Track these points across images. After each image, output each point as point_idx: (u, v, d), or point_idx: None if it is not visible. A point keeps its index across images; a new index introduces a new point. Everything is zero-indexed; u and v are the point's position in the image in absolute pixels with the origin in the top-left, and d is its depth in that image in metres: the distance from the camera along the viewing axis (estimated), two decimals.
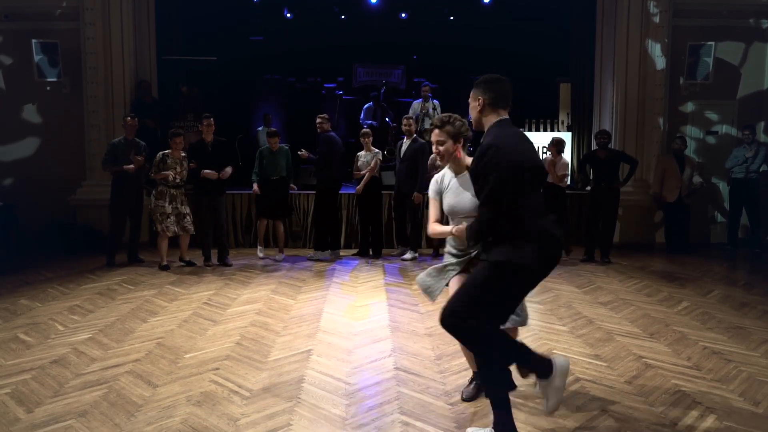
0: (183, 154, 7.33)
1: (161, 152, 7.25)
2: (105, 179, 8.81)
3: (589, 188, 8.38)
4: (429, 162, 8.14)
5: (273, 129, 8.28)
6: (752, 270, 7.91)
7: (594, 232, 8.07)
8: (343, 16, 11.59)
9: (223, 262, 7.58)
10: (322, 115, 8.10)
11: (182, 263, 7.55)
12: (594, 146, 9.41)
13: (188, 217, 7.33)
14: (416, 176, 7.85)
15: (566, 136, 9.82)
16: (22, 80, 9.12)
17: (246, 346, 4.62)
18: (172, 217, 7.20)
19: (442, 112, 10.40)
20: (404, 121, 8.13)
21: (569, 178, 8.63)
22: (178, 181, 7.23)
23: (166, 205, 7.15)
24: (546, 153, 8.50)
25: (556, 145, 8.02)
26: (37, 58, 8.99)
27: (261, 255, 8.17)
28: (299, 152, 8.16)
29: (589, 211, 8.24)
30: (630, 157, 8.07)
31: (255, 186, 7.89)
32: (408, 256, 8.04)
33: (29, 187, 9.00)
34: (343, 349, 4.56)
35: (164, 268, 7.31)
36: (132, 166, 7.40)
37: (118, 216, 7.62)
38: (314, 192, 8.34)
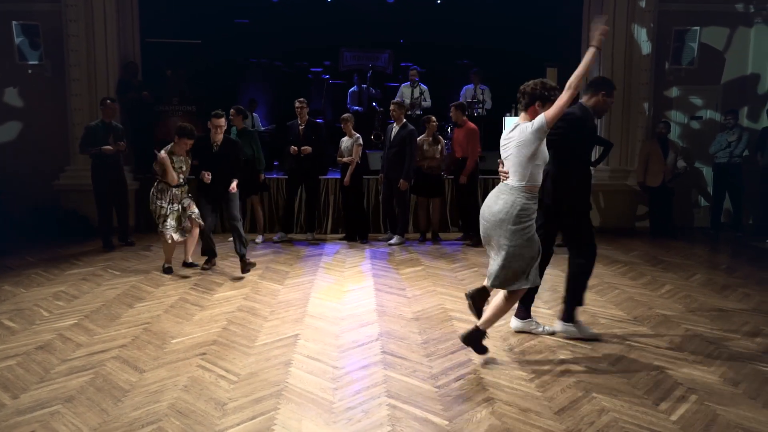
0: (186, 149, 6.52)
1: (163, 149, 6.29)
2: (89, 164, 8.75)
3: None
4: (417, 143, 8.15)
5: (239, 106, 8.00)
6: (734, 253, 8.02)
7: None
8: (329, 0, 11.49)
9: (245, 267, 6.32)
10: (302, 100, 8.10)
11: (186, 266, 6.61)
12: None
13: (193, 215, 6.38)
14: (404, 163, 7.85)
15: None
16: (2, 63, 8.94)
17: (233, 331, 4.62)
18: (171, 221, 6.27)
19: (431, 96, 10.43)
20: (392, 107, 8.11)
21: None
22: (182, 181, 6.40)
23: (165, 205, 6.27)
24: None
25: None
26: (17, 40, 8.80)
27: (258, 240, 8.20)
28: (303, 148, 8.05)
29: None
30: (603, 139, 8.02)
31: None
32: (395, 240, 8.07)
33: (12, 172, 8.86)
34: (331, 334, 4.58)
35: (167, 271, 6.44)
36: (109, 147, 7.34)
37: (103, 199, 7.61)
38: (307, 178, 8.30)
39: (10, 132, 9.09)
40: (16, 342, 4.41)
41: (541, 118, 3.67)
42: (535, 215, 3.84)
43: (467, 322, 4.85)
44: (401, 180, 7.86)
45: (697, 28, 9.25)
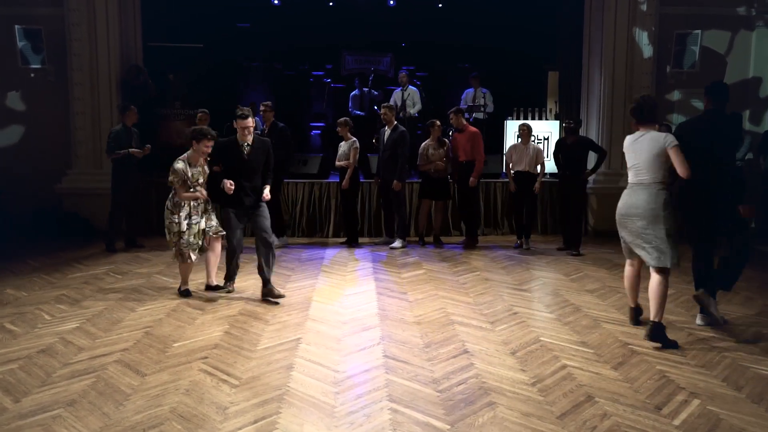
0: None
1: (182, 162, 5.36)
2: (91, 167, 8.81)
3: (549, 175, 8.34)
4: (421, 150, 8.14)
5: (203, 109, 7.76)
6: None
7: (566, 222, 8.02)
8: (331, 3, 11.52)
9: (269, 296, 5.56)
10: (266, 103, 7.94)
11: (210, 290, 5.79)
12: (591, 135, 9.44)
13: (211, 230, 5.60)
14: (396, 165, 7.87)
15: (554, 125, 9.86)
16: (5, 67, 8.98)
17: (235, 335, 4.62)
18: (189, 237, 5.42)
19: (429, 98, 10.45)
20: (382, 110, 8.11)
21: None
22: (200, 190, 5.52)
23: (182, 221, 5.40)
24: (518, 140, 8.33)
25: (529, 132, 8.06)
26: (20, 44, 8.85)
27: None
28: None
29: (560, 201, 8.27)
30: (598, 147, 7.89)
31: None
32: (397, 244, 8.06)
33: (14, 175, 8.89)
34: (332, 338, 4.58)
35: (184, 293, 5.65)
36: (139, 150, 7.52)
37: (120, 202, 7.65)
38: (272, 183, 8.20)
39: (13, 135, 9.11)
40: (18, 345, 4.41)
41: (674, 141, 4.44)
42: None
43: (469, 326, 4.85)
44: (395, 181, 7.88)
45: (699, 31, 9.26)
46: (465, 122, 8.16)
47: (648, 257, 4.48)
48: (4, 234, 8.42)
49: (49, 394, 3.59)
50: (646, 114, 4.56)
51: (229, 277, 5.87)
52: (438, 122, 8.22)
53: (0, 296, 5.72)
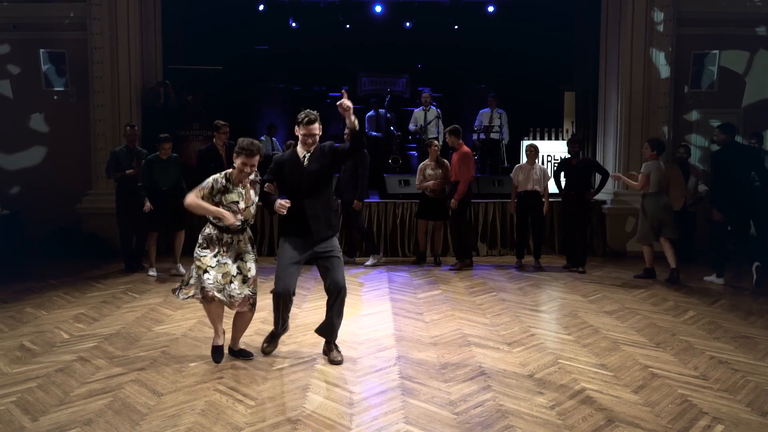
0: (253, 177, 4.37)
1: (221, 174, 4.31)
2: (111, 188, 8.88)
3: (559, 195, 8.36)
4: (419, 169, 8.14)
5: (165, 135, 7.34)
6: (759, 278, 7.84)
7: (570, 241, 8.02)
8: (348, 26, 11.65)
9: (331, 357, 4.53)
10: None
11: (233, 354, 4.57)
12: (597, 156, 9.41)
13: (249, 278, 4.40)
14: (357, 184, 7.90)
15: None
16: (29, 89, 9.18)
17: None
18: (214, 274, 4.23)
19: (444, 119, 10.47)
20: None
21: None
22: (240, 223, 4.32)
23: (209, 255, 4.28)
24: (524, 160, 8.28)
25: (536, 153, 8.10)
26: (44, 67, 9.08)
27: (153, 274, 7.42)
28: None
29: (564, 220, 8.25)
30: (601, 168, 7.92)
31: (147, 203, 7.09)
32: (370, 261, 8.17)
33: (35, 195, 9.04)
34: (348, 358, 4.55)
35: (215, 353, 4.49)
36: (132, 171, 7.50)
37: (123, 222, 7.72)
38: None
39: (36, 156, 9.28)
40: (37, 364, 4.44)
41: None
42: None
43: (486, 347, 4.80)
44: (355, 201, 7.92)
45: (716, 51, 9.22)
46: (460, 142, 7.97)
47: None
48: (24, 253, 8.54)
49: (67, 413, 3.60)
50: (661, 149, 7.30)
51: (272, 336, 4.68)
52: (436, 142, 8.25)
53: (19, 315, 5.79)
